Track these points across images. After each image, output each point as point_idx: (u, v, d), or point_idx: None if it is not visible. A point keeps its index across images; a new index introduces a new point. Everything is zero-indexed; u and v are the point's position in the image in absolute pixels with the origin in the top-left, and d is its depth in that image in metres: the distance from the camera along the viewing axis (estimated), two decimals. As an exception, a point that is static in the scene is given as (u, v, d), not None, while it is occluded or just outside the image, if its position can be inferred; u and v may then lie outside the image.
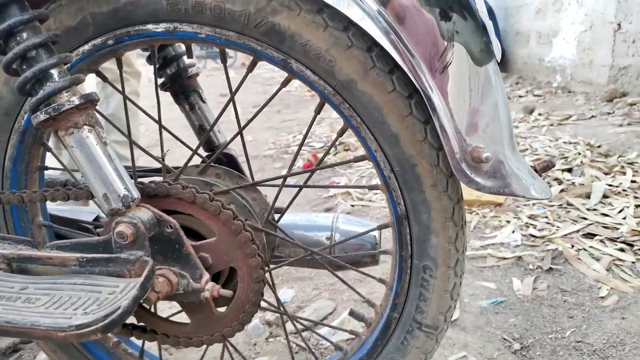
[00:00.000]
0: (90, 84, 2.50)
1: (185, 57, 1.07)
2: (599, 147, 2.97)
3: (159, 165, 1.06)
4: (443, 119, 0.67)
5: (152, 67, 0.91)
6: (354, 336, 1.02)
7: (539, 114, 4.05)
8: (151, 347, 1.29)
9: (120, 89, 0.91)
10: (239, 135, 0.88)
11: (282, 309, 1.01)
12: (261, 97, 6.17)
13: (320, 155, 3.45)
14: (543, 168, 0.72)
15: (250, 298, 0.83)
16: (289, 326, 1.49)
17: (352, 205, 2.46)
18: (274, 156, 3.69)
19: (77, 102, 0.70)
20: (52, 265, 0.81)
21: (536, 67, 5.77)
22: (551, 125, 3.69)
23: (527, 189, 0.68)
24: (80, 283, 0.78)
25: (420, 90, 0.69)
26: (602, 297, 1.55)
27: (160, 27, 0.78)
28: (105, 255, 0.77)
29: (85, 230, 1.13)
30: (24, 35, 0.69)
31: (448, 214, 0.75)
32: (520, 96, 5.11)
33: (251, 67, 0.82)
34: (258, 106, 5.74)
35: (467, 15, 0.68)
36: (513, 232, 1.99)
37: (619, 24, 4.24)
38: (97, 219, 1.17)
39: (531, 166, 0.71)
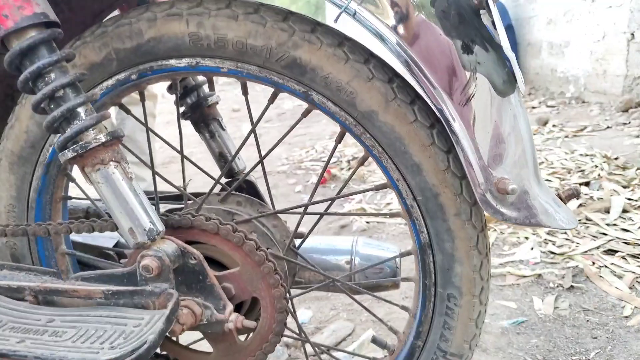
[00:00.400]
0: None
1: (205, 86, 1.09)
2: (616, 159, 2.94)
3: (178, 192, 1.08)
4: (467, 151, 0.67)
5: (165, 89, 0.92)
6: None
7: (553, 126, 4.02)
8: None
9: (137, 111, 0.92)
10: (259, 163, 0.88)
11: (303, 335, 1.01)
12: (272, 112, 6.21)
13: (334, 171, 3.46)
14: (568, 196, 0.71)
15: (274, 328, 0.83)
16: (308, 349, 1.49)
17: (368, 222, 2.46)
18: (287, 172, 3.70)
19: (103, 139, 0.72)
20: (78, 297, 0.82)
21: (549, 78, 5.74)
22: (566, 136, 3.66)
23: (554, 219, 0.67)
24: (106, 315, 0.79)
25: (442, 120, 0.69)
26: (627, 317, 1.52)
27: (183, 62, 0.80)
28: (131, 288, 0.78)
29: (107, 256, 1.15)
30: (52, 75, 0.71)
31: (472, 243, 0.75)
32: (533, 107, 5.08)
33: (272, 99, 0.83)
34: (270, 121, 5.79)
35: (489, 47, 0.68)
36: (532, 248, 1.97)
37: (632, 34, 4.22)
38: (117, 244, 1.18)
39: (556, 194, 0.71)
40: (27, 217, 0.96)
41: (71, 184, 0.99)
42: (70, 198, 1.01)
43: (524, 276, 1.80)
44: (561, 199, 0.71)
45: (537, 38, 5.97)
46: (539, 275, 1.80)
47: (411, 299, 1.63)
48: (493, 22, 0.71)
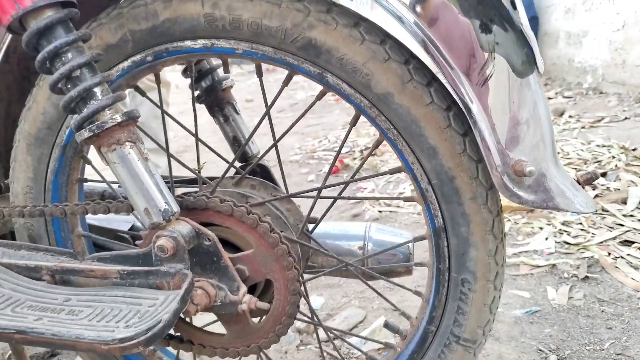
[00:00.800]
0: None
1: (220, 70, 1.09)
2: (634, 150, 2.89)
3: (194, 176, 1.08)
4: (484, 132, 0.66)
5: (182, 77, 0.92)
6: (385, 346, 1.01)
7: (570, 116, 3.96)
8: (183, 354, 1.30)
9: (151, 97, 0.93)
10: (273, 147, 0.88)
11: (315, 319, 1.02)
12: (285, 102, 6.20)
13: (346, 161, 3.45)
14: (586, 180, 0.70)
15: (287, 310, 0.83)
16: (320, 334, 1.49)
17: (380, 211, 2.45)
18: (300, 161, 3.71)
19: (119, 119, 0.72)
20: (94, 277, 0.83)
21: (565, 68, 5.64)
22: (583, 127, 3.60)
23: (571, 202, 0.66)
24: (121, 295, 0.79)
25: (459, 102, 0.68)
26: (642, 307, 1.50)
27: (198, 44, 0.80)
28: (146, 268, 0.79)
29: (122, 239, 1.16)
30: (69, 55, 0.71)
31: (488, 227, 0.74)
32: (549, 98, 5.00)
33: (286, 82, 0.82)
34: (282, 111, 5.78)
35: (508, 26, 0.67)
36: (546, 239, 1.95)
37: (653, 23, 4.12)
38: (132, 227, 1.19)
39: (574, 179, 0.70)
40: (44, 198, 0.97)
41: (87, 167, 1.00)
42: (87, 180, 1.02)
43: (538, 266, 1.78)
44: (579, 183, 0.69)
45: (554, 27, 5.87)
46: (553, 266, 1.78)
47: (424, 287, 1.63)
48: (512, 2, 0.70)
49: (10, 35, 0.91)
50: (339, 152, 0.87)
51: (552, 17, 5.90)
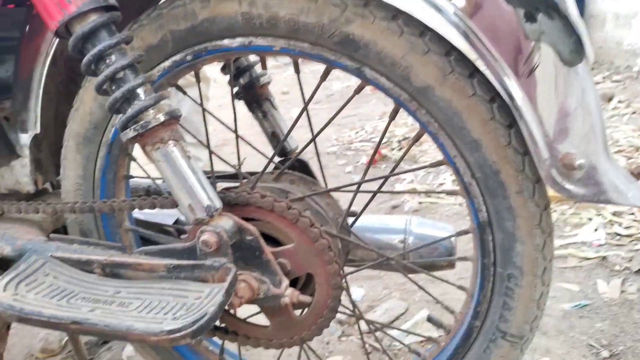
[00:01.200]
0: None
1: (258, 66, 1.10)
2: (689, 135, 2.74)
3: (234, 171, 1.10)
4: (530, 125, 0.64)
5: (220, 73, 0.93)
6: (427, 340, 1.01)
7: (619, 102, 3.77)
8: (228, 343, 1.33)
9: (191, 93, 0.94)
10: (311, 142, 0.88)
11: (357, 312, 1.02)
12: (321, 93, 6.18)
13: (384, 152, 3.42)
14: (640, 172, 0.67)
15: (329, 304, 0.84)
16: (362, 326, 1.50)
17: (420, 203, 2.42)
18: (337, 153, 3.69)
19: (162, 118, 0.74)
20: (142, 270, 0.86)
21: (613, 51, 5.38)
22: (633, 113, 3.43)
23: (625, 196, 0.63)
24: (168, 288, 0.82)
25: (503, 94, 0.66)
26: (701, 302, 1.43)
27: (236, 42, 0.80)
28: (191, 262, 0.81)
29: (167, 233, 1.19)
30: (113, 57, 0.73)
31: (535, 221, 0.72)
32: (597, 83, 4.79)
33: (324, 77, 0.82)
34: (319, 102, 5.76)
35: (555, 14, 0.64)
36: (596, 230, 1.88)
37: None
38: (177, 221, 1.22)
39: (628, 171, 0.67)
40: (93, 194, 1.01)
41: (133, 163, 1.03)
42: (133, 177, 1.05)
43: (587, 258, 1.72)
44: (633, 175, 0.66)
45: (600, 9, 5.59)
46: (604, 258, 1.71)
47: (466, 280, 1.60)
48: (558, -13, 0.67)
49: (57, 40, 0.95)
50: (378, 145, 0.86)
51: (599, -3, 5.63)
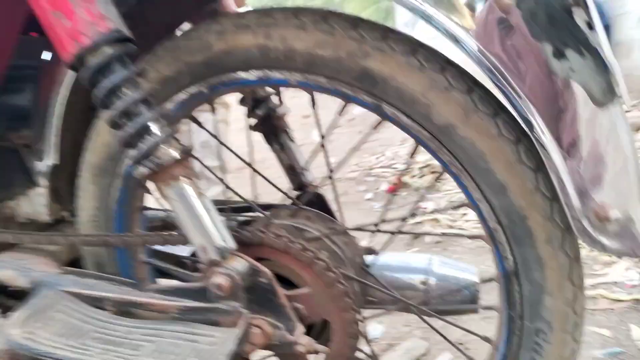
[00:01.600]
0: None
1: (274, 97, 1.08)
2: None
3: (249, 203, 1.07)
4: (559, 168, 0.60)
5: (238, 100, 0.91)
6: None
7: (649, 130, 3.66)
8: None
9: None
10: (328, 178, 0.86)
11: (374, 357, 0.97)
12: (342, 118, 6.16)
13: (404, 178, 3.37)
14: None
15: (345, 353, 0.79)
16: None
17: (442, 234, 2.35)
18: (357, 178, 3.66)
19: (175, 155, 0.72)
20: (154, 310, 0.83)
21: (642, 78, 5.26)
22: (664, 142, 3.32)
23: (665, 248, 0.58)
24: (180, 331, 0.79)
25: (530, 134, 0.62)
26: None
27: (252, 75, 0.79)
28: (203, 305, 0.78)
29: (183, 264, 1.17)
30: (125, 91, 0.72)
31: (565, 273, 0.67)
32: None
33: (341, 111, 0.80)
34: (339, 127, 5.75)
35: (585, 50, 0.60)
36: (628, 269, 1.78)
37: None
38: (194, 254, 1.20)
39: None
40: (110, 226, 0.99)
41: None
42: (148, 209, 1.03)
43: (620, 300, 1.62)
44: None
45: (627, 37, 5.51)
46: (637, 300, 1.62)
47: (489, 319, 1.53)
48: (589, 23, 0.63)
49: (75, 69, 0.95)
50: (401, 175, 0.83)
51: (625, 25, 5.54)
